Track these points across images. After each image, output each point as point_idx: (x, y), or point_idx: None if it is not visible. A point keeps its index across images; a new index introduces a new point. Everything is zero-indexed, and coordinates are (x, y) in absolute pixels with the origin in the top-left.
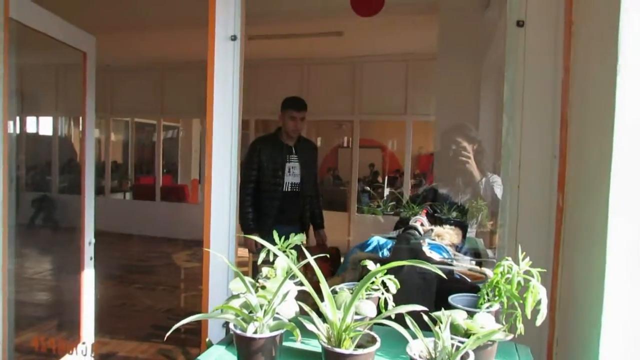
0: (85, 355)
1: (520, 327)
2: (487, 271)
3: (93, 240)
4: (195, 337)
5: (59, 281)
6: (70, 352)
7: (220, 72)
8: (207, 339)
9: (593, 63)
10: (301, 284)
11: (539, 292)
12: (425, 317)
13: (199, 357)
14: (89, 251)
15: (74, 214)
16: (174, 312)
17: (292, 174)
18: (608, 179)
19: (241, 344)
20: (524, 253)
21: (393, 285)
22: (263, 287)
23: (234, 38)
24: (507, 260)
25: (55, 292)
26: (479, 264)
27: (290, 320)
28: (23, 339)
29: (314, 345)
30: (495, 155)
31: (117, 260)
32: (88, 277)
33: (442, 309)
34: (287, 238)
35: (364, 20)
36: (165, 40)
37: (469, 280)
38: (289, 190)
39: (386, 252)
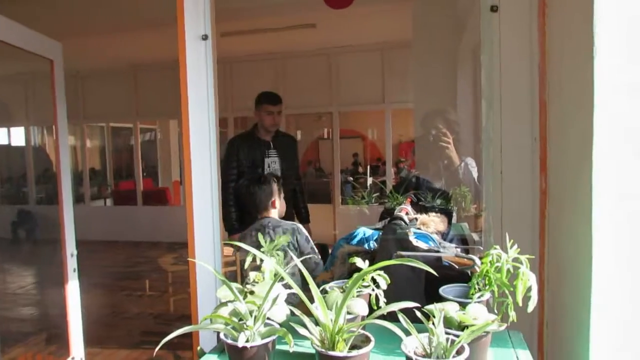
0: None
1: (512, 314)
2: (474, 257)
3: (75, 252)
4: (187, 340)
5: (43, 295)
6: None
7: (194, 73)
8: (198, 347)
9: (569, 46)
10: (290, 286)
11: (528, 279)
12: (419, 314)
13: None
14: (71, 263)
15: (55, 225)
16: (164, 317)
17: (272, 169)
18: (590, 159)
19: (233, 354)
20: (512, 240)
21: (383, 281)
22: (252, 292)
23: (205, 37)
24: (495, 249)
25: (41, 306)
26: (466, 250)
27: (281, 325)
28: (11, 356)
29: (307, 347)
30: (474, 139)
31: (103, 268)
32: (73, 290)
33: (434, 301)
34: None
35: (336, 12)
36: (135, 42)
37: (457, 266)
38: None
39: (373, 244)
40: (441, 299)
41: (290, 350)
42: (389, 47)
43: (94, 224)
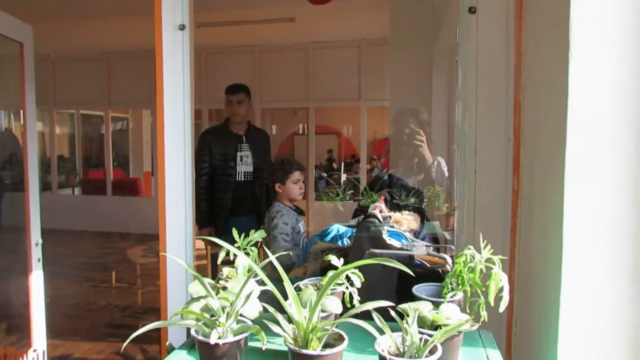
0: None
1: (484, 314)
2: (446, 256)
3: (40, 241)
4: (154, 334)
5: (4, 285)
6: (21, 359)
7: (170, 63)
8: (167, 343)
9: (544, 48)
10: (264, 282)
11: (501, 280)
12: (393, 313)
13: None
14: (36, 252)
15: (19, 213)
16: (131, 310)
17: (245, 163)
18: (563, 161)
19: (204, 351)
20: (485, 241)
21: (357, 279)
22: (224, 288)
23: (182, 27)
24: (469, 249)
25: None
26: (437, 249)
27: (254, 321)
28: None
29: (279, 344)
30: (448, 139)
31: (69, 258)
32: (37, 280)
33: (406, 298)
34: (244, 229)
35: (315, 6)
36: (109, 29)
37: (429, 265)
38: (242, 179)
39: (346, 241)
40: (413, 297)
41: (263, 348)
42: (366, 44)
43: (61, 213)
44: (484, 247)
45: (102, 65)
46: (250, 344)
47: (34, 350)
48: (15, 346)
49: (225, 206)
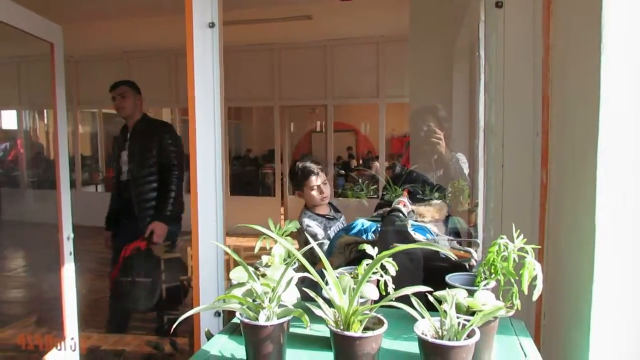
0: (74, 350)
1: (517, 302)
2: (471, 250)
3: (72, 235)
4: (181, 327)
5: (36, 278)
6: (58, 347)
7: (200, 60)
8: (206, 329)
9: (575, 40)
10: (302, 269)
11: (534, 268)
12: (431, 298)
13: (203, 348)
14: (67, 246)
15: (45, 209)
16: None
17: (122, 162)
18: (594, 154)
19: (250, 333)
20: (518, 231)
21: (392, 267)
22: (263, 275)
23: (212, 25)
24: (502, 238)
25: (34, 289)
26: (461, 243)
27: (294, 307)
28: (5, 335)
29: (317, 330)
30: (469, 135)
31: (94, 254)
32: (68, 273)
33: (446, 288)
34: (129, 233)
35: (333, 3)
36: (131, 29)
37: (454, 258)
38: (125, 179)
39: (371, 235)
40: (440, 289)
41: (308, 329)
42: (385, 41)
43: (85, 209)
44: (517, 237)
45: (123, 64)
46: (291, 330)
47: (72, 339)
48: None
49: (117, 208)
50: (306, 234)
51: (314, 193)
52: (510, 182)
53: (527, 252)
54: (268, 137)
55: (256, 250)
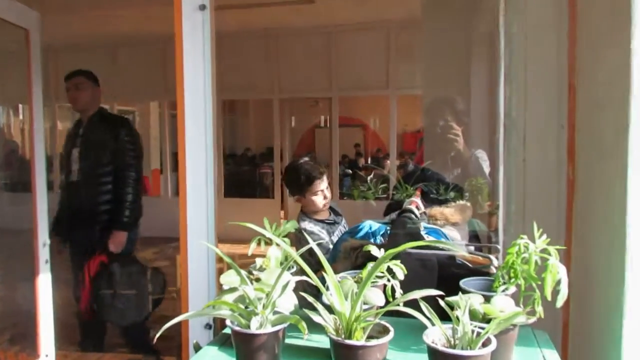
0: None
1: (540, 309)
2: (491, 256)
3: (48, 242)
4: (167, 344)
5: (9, 289)
6: None
7: (190, 46)
8: (194, 341)
9: (604, 26)
10: (300, 273)
11: (558, 271)
12: (442, 302)
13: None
14: (43, 254)
15: (20, 213)
16: None
17: (78, 159)
18: (626, 147)
19: (241, 342)
20: (541, 230)
21: (400, 271)
22: (257, 280)
23: (202, 7)
24: (522, 238)
25: (6, 302)
26: (480, 248)
27: (290, 314)
28: None
29: (316, 341)
30: (490, 130)
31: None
32: (44, 283)
33: (460, 293)
34: (83, 243)
35: None
36: (116, 17)
37: (471, 265)
38: (75, 179)
39: (379, 239)
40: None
41: (304, 338)
42: (395, 26)
43: None
44: (539, 237)
45: (106, 55)
46: (287, 341)
47: (46, 356)
48: (22, 354)
49: (64, 214)
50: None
51: (317, 198)
52: (533, 178)
53: (550, 254)
54: (266, 133)
55: (250, 252)
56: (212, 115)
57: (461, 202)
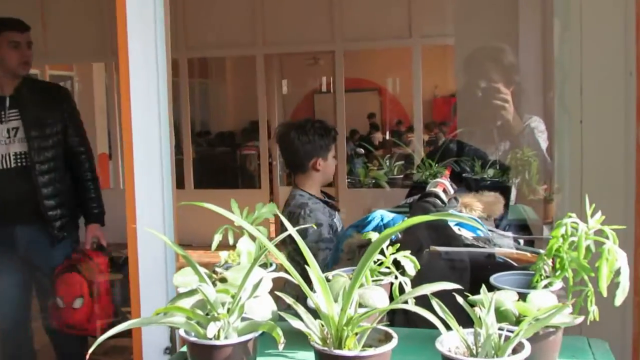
0: None
1: (594, 309)
2: (541, 251)
3: None
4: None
5: None
6: None
7: None
8: None
9: None
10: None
11: (616, 259)
12: (460, 300)
13: None
14: None
15: None
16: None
17: (16, 140)
18: None
19: (199, 356)
20: (594, 206)
21: (411, 265)
22: (223, 280)
23: None
24: (570, 217)
25: None
26: (529, 242)
27: None
28: None
29: (297, 350)
30: (544, 87)
31: None
32: None
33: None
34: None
35: None
36: None
37: (516, 264)
38: (13, 165)
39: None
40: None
41: (280, 348)
42: None
43: None
44: (592, 215)
45: (35, 4)
46: (261, 358)
47: None
48: None
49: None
50: (313, 226)
51: (334, 162)
52: (593, 144)
53: (607, 237)
54: (249, 103)
55: (213, 247)
56: (167, 80)
57: (491, 194)
